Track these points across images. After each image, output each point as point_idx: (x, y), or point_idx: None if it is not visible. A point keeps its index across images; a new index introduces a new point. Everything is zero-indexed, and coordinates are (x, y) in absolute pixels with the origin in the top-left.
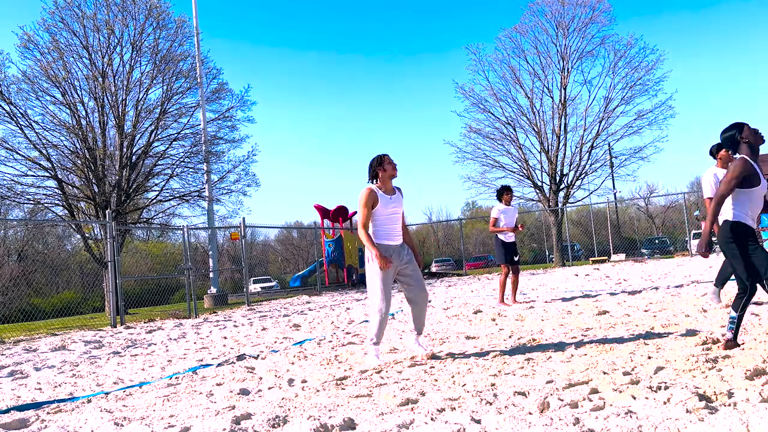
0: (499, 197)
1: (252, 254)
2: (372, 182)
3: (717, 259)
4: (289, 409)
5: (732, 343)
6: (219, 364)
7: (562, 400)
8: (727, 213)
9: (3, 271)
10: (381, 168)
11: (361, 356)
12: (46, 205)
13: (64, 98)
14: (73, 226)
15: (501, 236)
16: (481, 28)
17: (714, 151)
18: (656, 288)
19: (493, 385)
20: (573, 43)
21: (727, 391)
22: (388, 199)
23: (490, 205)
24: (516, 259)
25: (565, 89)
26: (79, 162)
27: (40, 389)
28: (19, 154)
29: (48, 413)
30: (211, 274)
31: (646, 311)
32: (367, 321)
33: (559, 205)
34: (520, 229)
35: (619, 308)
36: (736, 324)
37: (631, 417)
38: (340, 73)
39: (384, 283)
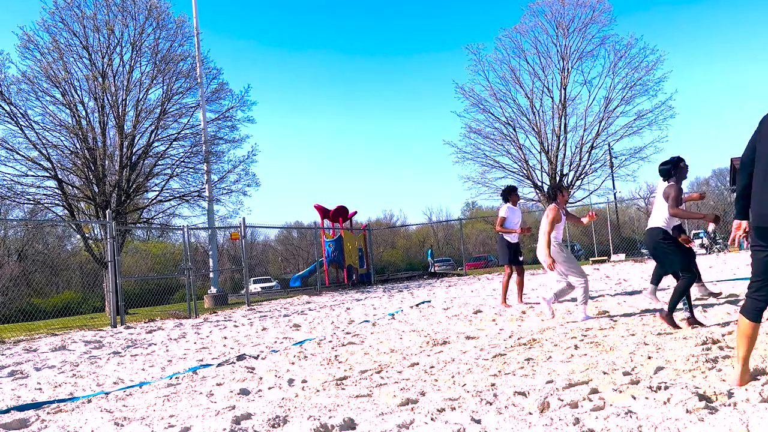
0: (506, 198)
1: (252, 254)
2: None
3: (717, 259)
4: (289, 409)
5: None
6: (219, 364)
7: (562, 400)
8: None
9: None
10: (560, 194)
11: (568, 316)
12: (46, 205)
13: (64, 98)
14: (73, 226)
15: (507, 237)
16: (481, 28)
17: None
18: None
19: (493, 385)
20: (573, 43)
21: (727, 391)
22: (563, 214)
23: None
24: (520, 259)
25: (565, 89)
26: (79, 162)
27: (40, 389)
28: (19, 154)
29: (48, 413)
30: (211, 274)
31: (646, 311)
32: (366, 321)
33: None
34: (526, 232)
35: (619, 308)
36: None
37: (631, 417)
38: (341, 73)
39: (576, 264)
